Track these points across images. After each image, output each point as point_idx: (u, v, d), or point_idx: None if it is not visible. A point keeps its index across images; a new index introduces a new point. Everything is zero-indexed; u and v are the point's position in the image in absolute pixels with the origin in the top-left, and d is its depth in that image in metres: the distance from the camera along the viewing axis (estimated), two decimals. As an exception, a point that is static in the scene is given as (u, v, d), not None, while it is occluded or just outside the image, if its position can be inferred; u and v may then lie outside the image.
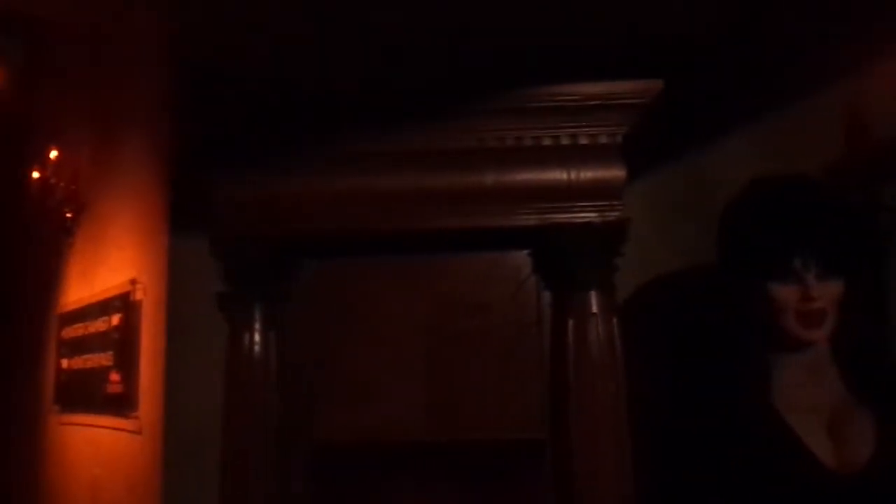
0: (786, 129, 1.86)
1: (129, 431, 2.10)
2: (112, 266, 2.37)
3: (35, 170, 2.86)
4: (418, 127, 1.57)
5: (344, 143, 1.57)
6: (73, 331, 2.60)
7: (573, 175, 1.56)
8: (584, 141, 1.56)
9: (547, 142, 1.56)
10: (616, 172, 1.56)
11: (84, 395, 2.45)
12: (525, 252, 1.64)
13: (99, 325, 2.36)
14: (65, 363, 2.67)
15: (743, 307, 1.41)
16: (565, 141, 1.56)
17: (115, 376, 2.20)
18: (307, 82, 1.62)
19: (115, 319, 2.22)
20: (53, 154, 2.78)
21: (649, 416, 1.54)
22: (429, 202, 1.57)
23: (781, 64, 1.82)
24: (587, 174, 1.56)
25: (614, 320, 1.52)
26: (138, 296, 2.08)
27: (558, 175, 1.56)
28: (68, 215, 2.74)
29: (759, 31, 1.78)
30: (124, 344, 2.13)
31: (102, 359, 2.31)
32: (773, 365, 1.38)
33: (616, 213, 1.55)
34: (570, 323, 1.53)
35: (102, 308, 2.33)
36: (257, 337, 1.56)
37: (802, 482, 1.29)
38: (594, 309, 1.52)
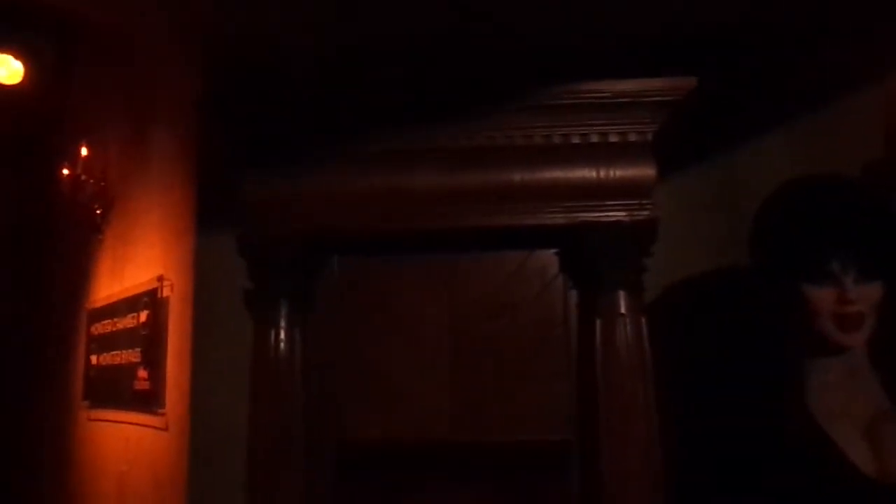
0: (820, 129, 1.82)
1: (155, 428, 2.11)
2: (140, 263, 2.38)
3: (65, 167, 2.90)
4: (447, 125, 1.56)
5: (371, 142, 1.56)
6: (102, 327, 2.62)
7: (602, 173, 1.53)
8: (613, 139, 1.53)
9: (576, 140, 1.54)
10: (646, 171, 1.53)
11: (112, 391, 2.47)
12: (552, 251, 1.62)
13: (127, 322, 2.38)
14: (94, 359, 2.71)
15: (777, 309, 1.38)
16: (595, 139, 1.54)
17: (142, 373, 2.22)
18: (336, 81, 1.61)
19: (143, 316, 2.24)
20: (84, 151, 2.82)
21: (679, 417, 1.52)
22: (456, 200, 1.55)
23: (816, 64, 1.78)
24: (616, 172, 1.53)
25: (643, 321, 1.50)
26: (166, 292, 2.10)
27: (587, 173, 1.54)
28: (98, 212, 2.77)
29: (795, 29, 1.74)
30: (152, 340, 2.15)
31: (131, 355, 2.33)
32: (808, 369, 1.35)
33: (646, 213, 1.52)
34: (598, 323, 1.50)
35: (130, 304, 2.35)
36: (283, 335, 1.56)
37: (839, 489, 1.26)
38: (622, 309, 1.49)
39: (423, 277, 1.64)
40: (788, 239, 1.34)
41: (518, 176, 1.55)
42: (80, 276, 2.98)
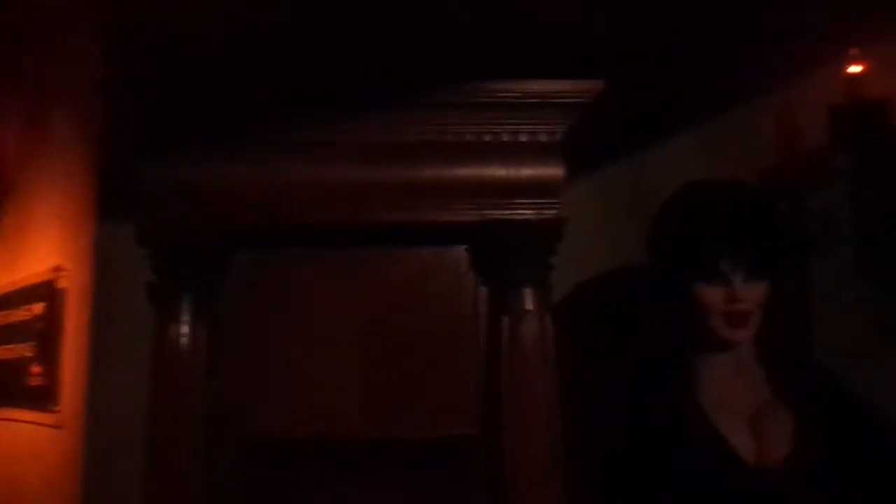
0: (725, 134, 1.91)
1: (49, 426, 2.01)
2: (36, 253, 2.27)
3: (-43, 150, 2.72)
4: (359, 119, 1.55)
5: (282, 133, 1.54)
6: (-6, 320, 2.48)
7: (512, 172, 1.56)
8: (523, 138, 1.56)
9: (487, 138, 1.56)
10: (555, 171, 1.56)
11: (4, 388, 2.34)
12: (464, 248, 1.64)
13: (21, 314, 2.26)
14: (-16, 353, 2.55)
15: (673, 307, 1.44)
16: (506, 137, 1.56)
17: (36, 368, 2.11)
18: (244, 67, 1.58)
19: (38, 308, 2.13)
20: (-24, 134, 2.65)
21: (582, 414, 1.56)
22: (368, 195, 1.54)
23: (723, 67, 1.86)
24: (526, 171, 1.56)
25: (548, 318, 1.53)
26: (63, 284, 2.00)
27: (498, 171, 1.56)
28: (-8, 199, 2.62)
29: (703, 33, 1.81)
30: (47, 334, 2.05)
31: (24, 349, 2.21)
32: (701, 364, 1.41)
33: (553, 212, 1.55)
34: (505, 320, 1.53)
35: (25, 296, 2.23)
36: (186, 329, 1.51)
37: (724, 479, 1.33)
38: (529, 306, 1.52)
39: (334, 272, 1.63)
40: (682, 239, 1.40)
41: (429, 172, 1.56)
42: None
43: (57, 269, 2.03)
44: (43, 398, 2.04)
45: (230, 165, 1.52)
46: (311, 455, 1.60)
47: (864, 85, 1.58)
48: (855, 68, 1.66)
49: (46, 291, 2.08)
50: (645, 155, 1.94)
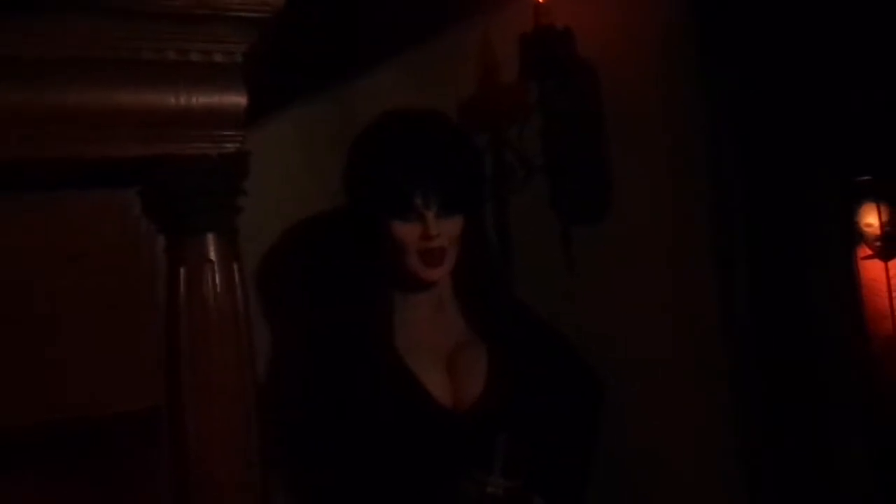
0: (430, 63, 1.83)
1: None
2: None
3: None
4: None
5: None
6: None
7: (183, 98, 1.32)
8: (195, 58, 1.32)
9: (149, 55, 1.30)
10: (235, 98, 1.35)
11: None
12: (133, 190, 1.38)
13: None
14: None
15: (369, 247, 1.35)
16: (172, 56, 1.31)
17: None
18: None
19: None
20: None
21: (285, 368, 1.43)
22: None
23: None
24: (200, 98, 1.33)
25: (235, 266, 1.35)
26: None
27: (165, 97, 1.31)
28: None
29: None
30: None
31: None
32: (398, 306, 1.34)
33: (235, 145, 1.35)
34: (183, 272, 1.32)
35: None
36: None
37: (416, 420, 1.29)
38: (211, 255, 1.32)
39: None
40: (375, 172, 1.31)
41: (75, 96, 1.27)
42: None
43: None
44: None
45: None
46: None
47: (550, 13, 1.57)
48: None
49: None
50: (351, 88, 1.81)
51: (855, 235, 2.43)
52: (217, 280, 1.32)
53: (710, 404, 1.62)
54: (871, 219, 2.47)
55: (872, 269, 2.49)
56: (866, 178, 2.32)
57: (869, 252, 2.50)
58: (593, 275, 1.67)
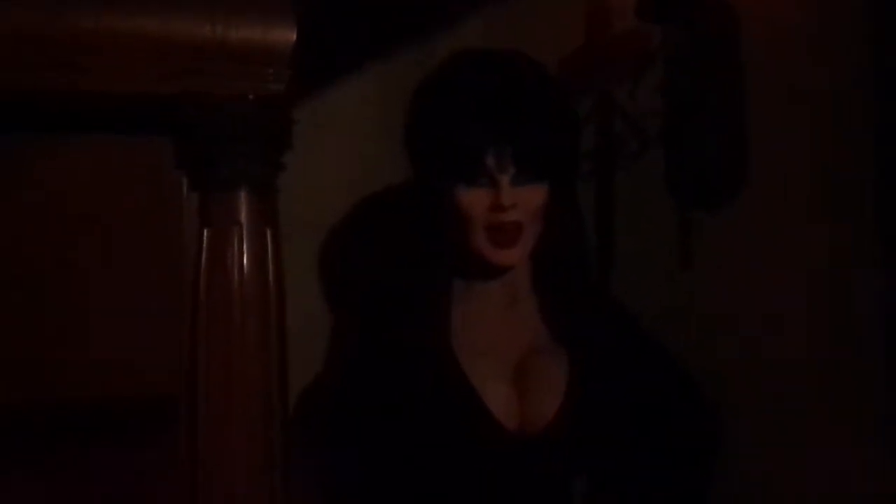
0: (529, 14, 1.56)
1: None
2: None
3: None
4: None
5: None
6: None
7: (220, 29, 1.12)
8: (236, -19, 1.11)
9: (181, -24, 1.10)
10: (282, 32, 1.14)
11: None
12: (163, 139, 1.19)
13: None
14: None
15: (432, 223, 1.08)
16: (209, -22, 1.11)
17: None
18: None
19: None
20: None
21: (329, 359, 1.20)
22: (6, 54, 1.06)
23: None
24: (241, 30, 1.13)
25: (269, 233, 1.12)
26: None
27: (200, 27, 1.11)
28: None
29: None
30: None
31: None
32: (457, 297, 1.07)
33: (280, 87, 1.13)
34: (206, 234, 1.11)
35: None
36: None
37: (469, 443, 1.00)
38: (241, 216, 1.11)
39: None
40: (437, 126, 1.03)
41: (99, 23, 1.09)
42: None
43: None
44: None
45: None
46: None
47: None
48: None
49: None
50: (435, 41, 1.57)
51: None
52: (245, 247, 1.10)
53: (861, 460, 1.23)
54: None
55: None
56: None
57: None
58: (715, 275, 1.31)
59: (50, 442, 1.23)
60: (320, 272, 1.48)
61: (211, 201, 1.13)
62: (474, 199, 1.02)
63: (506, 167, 1.00)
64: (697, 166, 1.31)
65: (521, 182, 1.01)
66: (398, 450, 1.00)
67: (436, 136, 1.03)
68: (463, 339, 1.04)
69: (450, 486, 1.00)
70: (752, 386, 1.28)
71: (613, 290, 1.31)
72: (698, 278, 1.33)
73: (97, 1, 1.10)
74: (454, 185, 1.02)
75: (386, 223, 1.43)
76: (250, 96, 1.12)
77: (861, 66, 1.15)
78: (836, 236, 1.20)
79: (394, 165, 1.50)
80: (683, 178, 1.32)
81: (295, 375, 1.27)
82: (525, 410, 1.02)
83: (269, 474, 1.05)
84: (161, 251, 1.22)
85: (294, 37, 1.16)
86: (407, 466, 1.00)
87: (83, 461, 1.24)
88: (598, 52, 1.36)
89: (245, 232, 1.11)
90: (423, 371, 1.02)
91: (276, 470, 1.07)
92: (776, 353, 1.28)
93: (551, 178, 1.04)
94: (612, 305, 1.18)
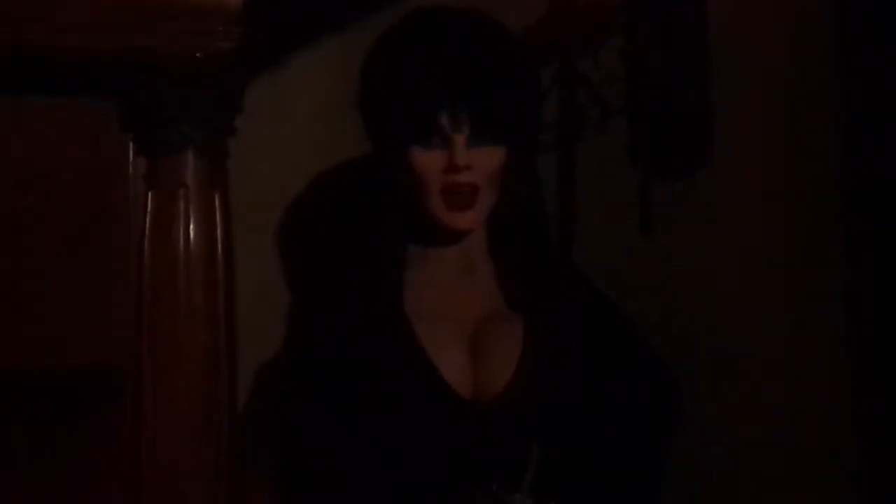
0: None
1: None
2: None
3: None
4: None
5: None
6: None
7: (165, -19, 1.07)
8: (182, -69, 1.07)
9: (125, -74, 1.05)
10: (231, -15, 1.09)
11: None
12: (109, 101, 1.15)
13: None
14: None
15: (387, 187, 1.05)
16: (154, -72, 1.06)
17: None
18: None
19: None
20: None
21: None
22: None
23: None
24: (189, -18, 1.08)
25: (217, 196, 1.09)
26: None
27: (144, -20, 1.07)
28: None
29: None
30: None
31: None
32: (411, 262, 1.04)
33: (230, 44, 1.09)
34: (151, 197, 1.07)
35: None
36: None
37: (422, 411, 0.98)
38: (187, 179, 1.07)
39: None
40: (390, 84, 1.00)
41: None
42: None
43: None
44: None
45: None
46: None
47: None
48: None
49: None
50: (396, 5, 1.53)
51: None
52: (191, 211, 1.07)
53: (825, 416, 1.23)
54: None
55: None
56: None
57: None
58: (676, 244, 1.30)
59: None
60: (277, 247, 1.45)
61: (157, 164, 1.09)
62: (429, 161, 0.99)
63: (460, 126, 0.98)
64: (660, 135, 1.29)
65: (477, 143, 0.99)
66: (353, 417, 0.98)
67: (388, 94, 1.00)
68: (417, 305, 1.02)
69: (404, 452, 0.98)
70: (712, 353, 1.28)
71: (576, 259, 1.30)
72: (659, 246, 1.32)
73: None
74: (408, 146, 0.99)
75: (343, 192, 1.39)
76: (198, 54, 1.08)
77: (822, 44, 1.15)
78: (796, 207, 1.19)
79: (354, 137, 1.48)
80: (645, 148, 1.30)
81: (253, 352, 1.25)
82: (479, 377, 1.01)
83: (215, 433, 1.03)
84: (107, 216, 1.18)
85: (243, -8, 1.12)
86: (362, 434, 0.98)
87: (29, 431, 1.20)
88: (561, 21, 1.33)
89: (191, 194, 1.07)
90: (376, 337, 1.00)
91: (220, 428, 1.04)
92: (736, 320, 1.28)
93: (509, 141, 1.02)
94: (571, 273, 1.16)
